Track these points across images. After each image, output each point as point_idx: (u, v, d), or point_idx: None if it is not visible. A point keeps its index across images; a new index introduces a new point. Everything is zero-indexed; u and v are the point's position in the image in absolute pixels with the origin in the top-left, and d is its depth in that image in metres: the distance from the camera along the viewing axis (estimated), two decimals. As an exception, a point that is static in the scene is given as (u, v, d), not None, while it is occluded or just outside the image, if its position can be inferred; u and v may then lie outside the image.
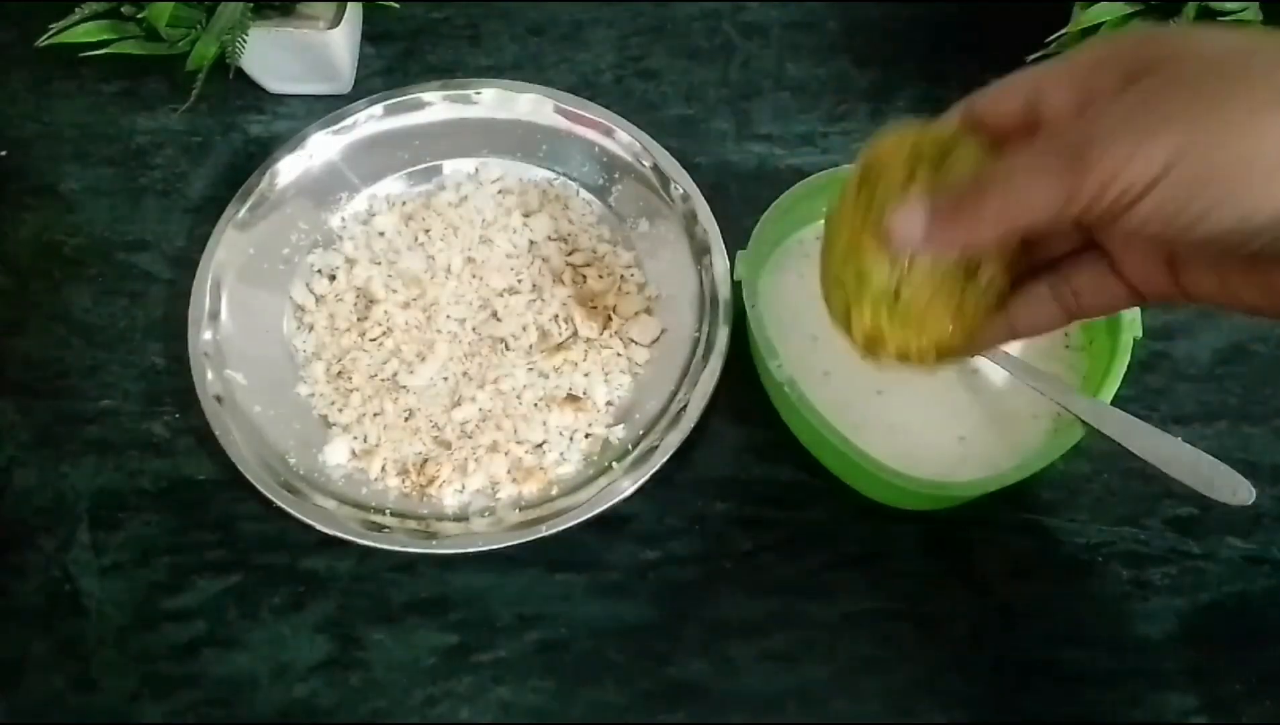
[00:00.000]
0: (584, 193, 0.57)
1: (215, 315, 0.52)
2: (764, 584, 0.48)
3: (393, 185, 0.57)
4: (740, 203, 0.55)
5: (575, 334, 0.52)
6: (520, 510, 0.48)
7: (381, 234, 0.56)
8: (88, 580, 0.48)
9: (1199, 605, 0.47)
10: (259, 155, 0.57)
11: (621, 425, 0.50)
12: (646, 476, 0.47)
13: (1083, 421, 0.45)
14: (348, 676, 0.46)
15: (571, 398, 0.51)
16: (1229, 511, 0.49)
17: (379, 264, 0.54)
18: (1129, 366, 0.46)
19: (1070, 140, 0.28)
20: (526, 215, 0.56)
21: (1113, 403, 0.45)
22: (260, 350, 0.52)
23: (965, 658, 0.47)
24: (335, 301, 0.54)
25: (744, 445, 0.51)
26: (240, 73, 0.56)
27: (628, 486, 0.47)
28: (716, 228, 0.53)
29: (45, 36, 0.54)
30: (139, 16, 0.53)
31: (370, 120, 0.57)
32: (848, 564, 0.48)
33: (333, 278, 0.54)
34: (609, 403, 0.51)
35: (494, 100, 0.57)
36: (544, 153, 0.57)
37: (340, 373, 0.52)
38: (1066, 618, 0.47)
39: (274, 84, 0.60)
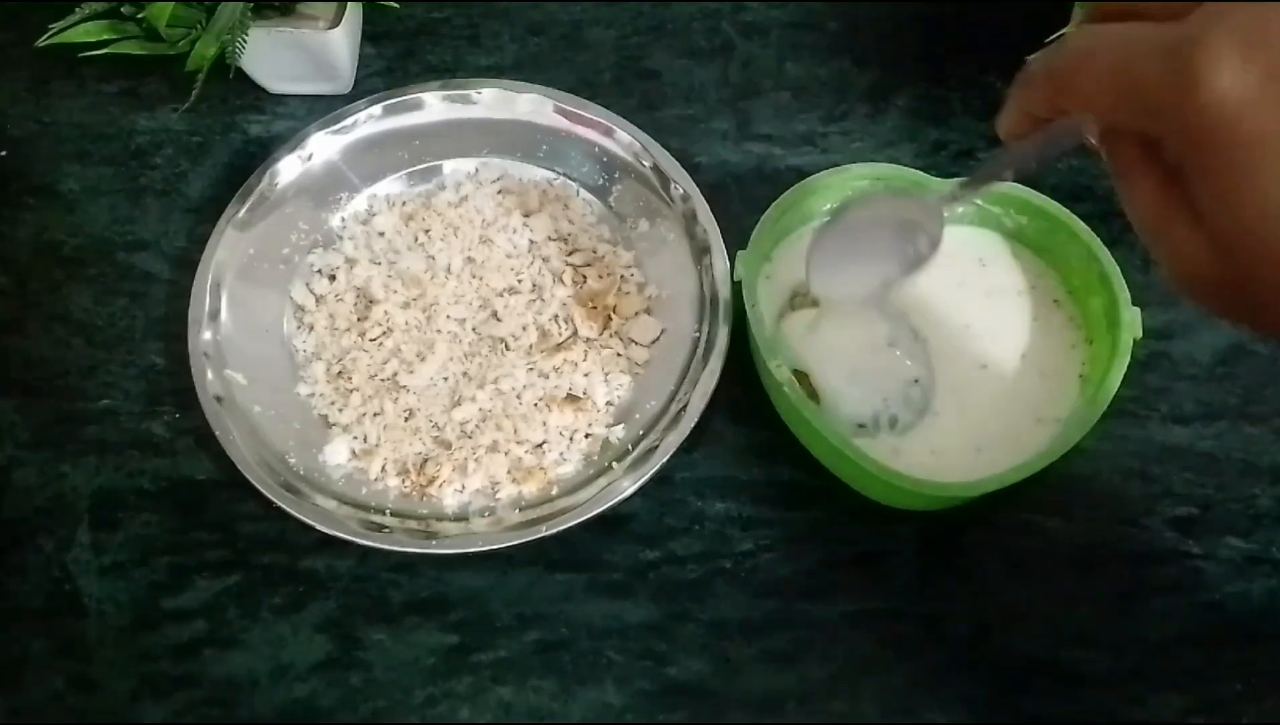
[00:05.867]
0: (584, 193, 0.57)
1: (215, 315, 0.52)
2: (764, 584, 0.48)
3: (393, 185, 0.57)
4: (740, 203, 0.55)
5: (575, 334, 0.52)
6: (520, 510, 0.48)
7: (381, 234, 0.56)
8: (88, 580, 0.48)
9: (1199, 605, 0.47)
10: (259, 155, 0.57)
11: (621, 425, 0.50)
12: (646, 476, 0.47)
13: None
14: (348, 676, 0.46)
15: (571, 398, 0.51)
16: (1229, 511, 0.49)
17: (379, 264, 0.54)
18: (1129, 366, 0.46)
19: None
20: (526, 215, 0.55)
21: (1112, 402, 0.45)
22: (260, 350, 0.52)
23: (965, 658, 0.47)
24: (335, 301, 0.54)
25: (744, 445, 0.51)
26: (240, 73, 0.56)
27: (628, 486, 0.47)
28: (716, 228, 0.53)
29: (45, 36, 0.54)
30: (139, 16, 0.53)
31: (370, 120, 0.57)
32: (847, 564, 0.48)
33: (333, 278, 0.54)
34: (609, 403, 0.51)
35: (494, 100, 0.57)
36: (544, 153, 0.57)
37: (340, 373, 0.52)
38: (1066, 618, 0.47)
39: (274, 84, 0.60)
